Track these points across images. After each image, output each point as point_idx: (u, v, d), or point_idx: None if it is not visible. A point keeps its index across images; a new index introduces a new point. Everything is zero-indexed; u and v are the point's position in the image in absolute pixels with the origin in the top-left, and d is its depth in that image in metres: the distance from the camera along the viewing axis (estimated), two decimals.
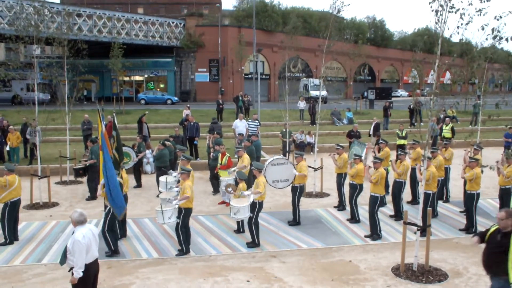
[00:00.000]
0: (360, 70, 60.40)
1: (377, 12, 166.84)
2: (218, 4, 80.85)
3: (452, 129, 20.87)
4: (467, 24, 8.54)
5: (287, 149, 20.00)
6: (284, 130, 20.52)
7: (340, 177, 13.70)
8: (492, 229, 6.74)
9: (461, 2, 8.38)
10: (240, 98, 32.06)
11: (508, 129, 20.37)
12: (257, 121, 21.97)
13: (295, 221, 12.44)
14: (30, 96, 16.52)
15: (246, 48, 44.51)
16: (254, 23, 37.99)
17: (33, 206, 14.18)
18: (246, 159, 14.04)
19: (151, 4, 78.52)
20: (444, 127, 18.58)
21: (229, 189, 11.82)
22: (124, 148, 14.46)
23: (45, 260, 10.04)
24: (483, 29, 8.58)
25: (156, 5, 78.19)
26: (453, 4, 8.42)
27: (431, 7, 8.63)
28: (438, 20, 8.58)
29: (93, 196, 14.81)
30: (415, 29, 78.78)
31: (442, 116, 24.34)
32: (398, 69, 72.22)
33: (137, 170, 16.97)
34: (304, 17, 59.98)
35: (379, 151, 14.77)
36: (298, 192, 12.46)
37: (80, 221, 6.88)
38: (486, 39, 8.81)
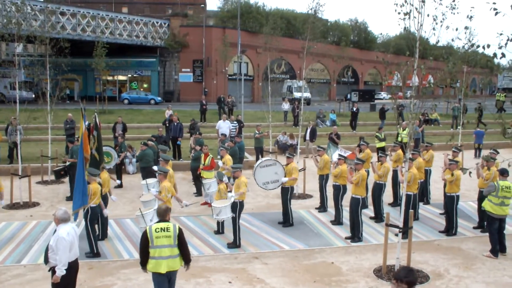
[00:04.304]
0: (344, 72, 60.67)
1: (360, 15, 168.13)
2: (203, 5, 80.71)
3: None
4: (441, 23, 8.63)
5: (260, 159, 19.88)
6: (257, 132, 20.20)
7: (322, 179, 13.72)
8: None
9: (434, 1, 8.49)
10: (222, 99, 31.96)
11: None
12: (235, 122, 21.95)
13: (288, 222, 12.39)
14: (13, 94, 16.32)
15: (230, 49, 44.48)
16: (239, 24, 38.02)
17: (13, 206, 13.98)
18: (228, 160, 14.02)
19: (135, 4, 78.04)
20: (400, 131, 18.48)
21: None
22: (105, 148, 14.35)
23: (25, 261, 9.91)
24: (456, 29, 8.70)
25: (140, 4, 77.73)
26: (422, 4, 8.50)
27: (398, 13, 8.70)
28: (407, 23, 8.66)
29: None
30: (396, 34, 79.16)
31: (422, 119, 24.43)
32: (381, 71, 72.73)
33: (119, 170, 16.83)
34: (288, 19, 60.07)
35: (360, 153, 14.83)
36: (289, 193, 12.41)
37: (64, 219, 6.88)
38: (453, 39, 8.95)
